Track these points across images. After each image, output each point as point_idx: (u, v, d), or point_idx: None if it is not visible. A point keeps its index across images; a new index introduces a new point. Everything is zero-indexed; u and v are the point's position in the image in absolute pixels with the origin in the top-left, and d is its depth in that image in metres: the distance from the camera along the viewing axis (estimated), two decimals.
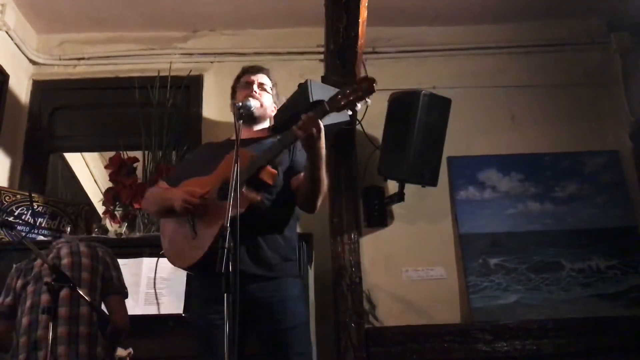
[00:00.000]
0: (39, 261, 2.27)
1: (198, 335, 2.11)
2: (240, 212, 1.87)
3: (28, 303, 2.17)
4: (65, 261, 2.26)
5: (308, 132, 1.89)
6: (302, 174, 2.15)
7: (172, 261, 2.20)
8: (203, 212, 2.05)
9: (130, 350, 2.25)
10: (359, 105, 1.88)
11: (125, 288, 2.37)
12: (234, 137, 2.29)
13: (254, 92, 2.30)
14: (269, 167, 2.04)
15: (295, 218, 2.24)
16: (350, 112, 1.92)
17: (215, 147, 2.33)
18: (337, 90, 1.96)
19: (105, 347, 2.17)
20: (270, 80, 2.41)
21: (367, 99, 1.86)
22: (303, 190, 2.10)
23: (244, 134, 2.27)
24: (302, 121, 1.91)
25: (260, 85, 2.35)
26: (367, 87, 1.85)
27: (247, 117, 2.24)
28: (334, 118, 3.01)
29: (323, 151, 1.98)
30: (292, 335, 2.05)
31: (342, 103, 1.87)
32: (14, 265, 2.37)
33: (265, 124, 2.39)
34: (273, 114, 2.43)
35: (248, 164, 2.01)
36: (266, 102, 2.34)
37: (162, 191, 2.26)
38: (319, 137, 1.92)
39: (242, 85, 2.37)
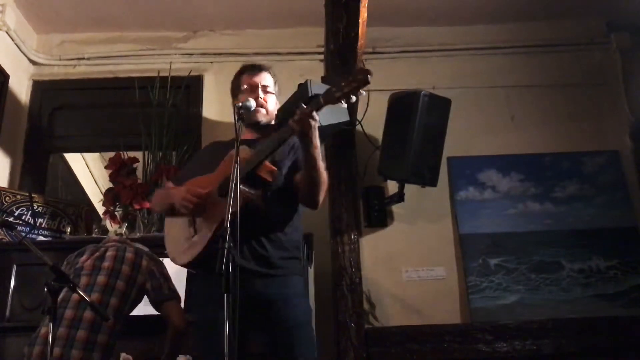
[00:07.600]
0: (84, 257, 2.36)
1: (200, 333, 2.12)
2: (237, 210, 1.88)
3: (60, 297, 2.17)
4: (106, 264, 2.32)
5: (304, 124, 1.89)
6: None
7: (174, 259, 2.21)
8: (204, 210, 2.06)
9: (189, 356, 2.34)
10: (353, 98, 1.85)
11: (177, 292, 2.42)
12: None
13: (259, 98, 2.24)
14: (267, 164, 2.02)
15: (299, 216, 2.24)
16: (345, 105, 1.89)
17: (221, 146, 2.31)
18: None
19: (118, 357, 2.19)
20: (273, 78, 2.35)
21: (362, 91, 1.83)
22: (302, 187, 2.10)
23: (248, 135, 2.26)
24: (297, 115, 1.90)
25: (264, 88, 2.29)
26: (362, 79, 1.82)
27: (253, 124, 2.24)
28: (333, 118, 3.04)
29: (317, 144, 1.97)
30: (296, 334, 2.05)
31: (337, 95, 1.85)
32: (67, 257, 2.45)
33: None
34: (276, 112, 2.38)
35: (245, 161, 2.00)
36: (270, 106, 2.30)
37: (166, 190, 2.28)
38: (314, 129, 1.92)
39: (246, 88, 2.30)
